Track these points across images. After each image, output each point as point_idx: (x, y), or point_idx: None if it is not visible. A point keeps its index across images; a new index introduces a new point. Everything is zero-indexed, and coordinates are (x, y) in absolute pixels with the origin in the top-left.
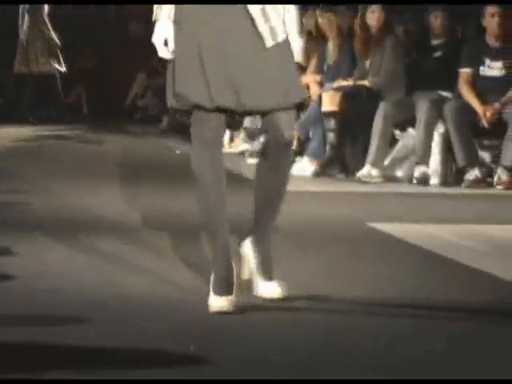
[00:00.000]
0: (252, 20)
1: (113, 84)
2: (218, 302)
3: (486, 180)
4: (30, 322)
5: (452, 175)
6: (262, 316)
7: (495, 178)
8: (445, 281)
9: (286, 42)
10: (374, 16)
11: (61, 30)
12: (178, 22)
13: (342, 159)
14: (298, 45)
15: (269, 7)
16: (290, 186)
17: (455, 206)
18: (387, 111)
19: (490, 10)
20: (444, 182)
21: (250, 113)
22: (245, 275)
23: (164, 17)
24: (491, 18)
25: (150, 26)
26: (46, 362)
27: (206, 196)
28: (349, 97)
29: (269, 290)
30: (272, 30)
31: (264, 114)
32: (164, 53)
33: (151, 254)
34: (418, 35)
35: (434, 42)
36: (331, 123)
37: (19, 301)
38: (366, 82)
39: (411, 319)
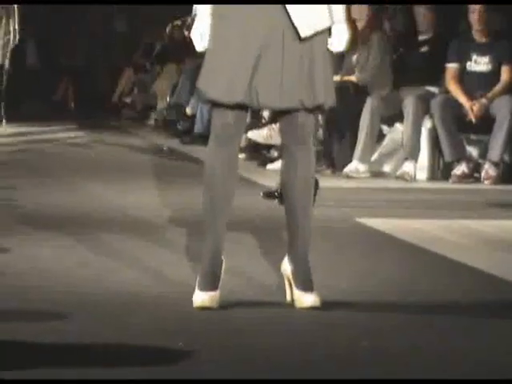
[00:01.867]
0: (286, 9)
1: (99, 80)
2: (200, 298)
3: (473, 175)
4: (17, 319)
5: (439, 170)
6: (247, 312)
7: (482, 173)
8: (432, 275)
9: (326, 34)
10: (358, 9)
11: (47, 26)
12: (213, 16)
13: (329, 155)
14: (343, 33)
15: None
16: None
17: (442, 201)
18: (374, 106)
19: (472, 5)
20: (432, 177)
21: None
22: (288, 297)
23: (202, 11)
24: (472, 13)
25: (133, 22)
26: (30, 360)
27: (212, 191)
28: (336, 92)
29: (307, 300)
30: (308, 18)
31: (282, 111)
32: (199, 47)
33: (143, 249)
34: (405, 30)
35: (421, 37)
36: (318, 119)
37: (6, 297)
38: (352, 78)
39: (399, 313)
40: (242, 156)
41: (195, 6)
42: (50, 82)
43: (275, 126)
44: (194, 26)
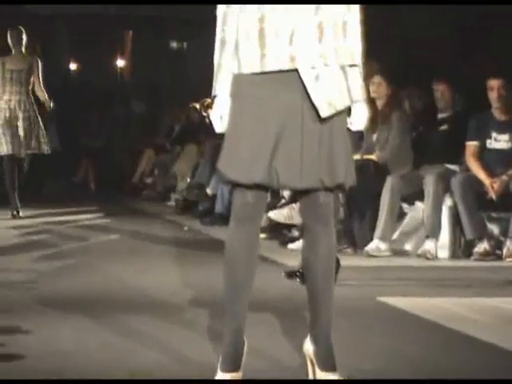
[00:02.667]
0: (306, 89)
1: (119, 161)
2: (222, 379)
3: (495, 252)
4: None
5: (461, 248)
6: None
7: (504, 251)
8: (454, 354)
9: (345, 113)
10: (375, 88)
11: (66, 109)
12: (233, 96)
13: (350, 233)
14: (363, 112)
15: (325, 72)
16: (297, 262)
17: (464, 279)
18: (394, 185)
19: (490, 83)
20: (453, 255)
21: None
22: (310, 377)
23: (221, 92)
24: (491, 91)
25: (150, 103)
26: None
27: (232, 272)
28: (356, 171)
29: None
30: (328, 97)
31: (302, 191)
32: (219, 129)
33: (164, 330)
34: (424, 109)
35: (440, 115)
36: (339, 197)
37: (26, 379)
38: (373, 157)
39: None
40: (262, 236)
41: (214, 87)
42: (70, 163)
43: (295, 206)
44: (213, 108)
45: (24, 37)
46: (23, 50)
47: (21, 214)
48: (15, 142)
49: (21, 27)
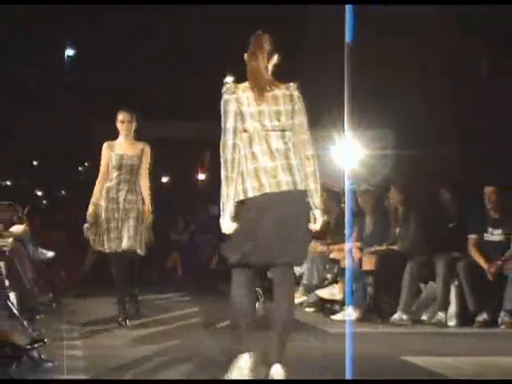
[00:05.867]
0: None
1: (200, 251)
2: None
3: (492, 321)
4: None
5: (466, 318)
6: None
7: (499, 320)
8: None
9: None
10: (391, 196)
11: (160, 211)
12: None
13: (379, 307)
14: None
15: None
16: (338, 329)
17: (468, 342)
18: (413, 269)
19: (486, 190)
20: (460, 324)
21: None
22: None
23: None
24: (487, 195)
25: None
26: None
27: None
28: (383, 258)
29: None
30: None
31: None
32: None
33: None
34: (436, 210)
35: (449, 214)
36: (370, 279)
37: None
38: (395, 247)
39: None
40: (312, 309)
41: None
42: (162, 254)
43: (336, 285)
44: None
45: (135, 121)
46: (132, 134)
47: (128, 323)
48: (125, 237)
49: (134, 111)
